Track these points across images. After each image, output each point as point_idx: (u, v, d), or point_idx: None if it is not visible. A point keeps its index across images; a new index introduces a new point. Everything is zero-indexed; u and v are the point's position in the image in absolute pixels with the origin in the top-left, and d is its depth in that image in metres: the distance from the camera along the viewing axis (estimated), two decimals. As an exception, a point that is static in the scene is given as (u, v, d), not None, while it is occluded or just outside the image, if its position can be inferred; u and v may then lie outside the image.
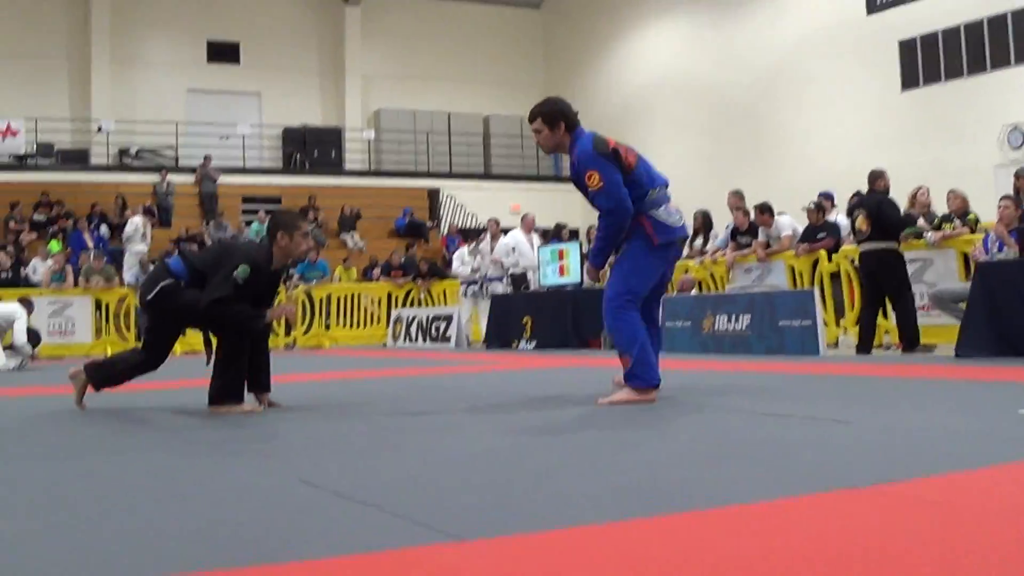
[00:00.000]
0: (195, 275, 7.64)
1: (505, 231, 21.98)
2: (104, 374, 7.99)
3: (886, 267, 13.35)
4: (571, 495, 3.71)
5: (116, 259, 24.47)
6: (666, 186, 7.45)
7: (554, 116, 7.34)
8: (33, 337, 16.44)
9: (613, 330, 7.29)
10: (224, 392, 7.56)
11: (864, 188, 15.82)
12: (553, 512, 3.41)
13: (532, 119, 7.43)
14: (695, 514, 3.27)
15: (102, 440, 6.11)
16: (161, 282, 7.65)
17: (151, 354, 8.00)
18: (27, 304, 16.70)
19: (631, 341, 7.14)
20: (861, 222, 13.44)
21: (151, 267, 22.57)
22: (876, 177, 13.72)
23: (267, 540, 3.12)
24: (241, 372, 7.66)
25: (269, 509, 3.64)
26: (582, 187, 7.26)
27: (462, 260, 22.64)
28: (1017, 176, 14.27)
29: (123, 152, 33.02)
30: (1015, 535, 2.89)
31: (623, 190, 7.05)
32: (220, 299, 7.40)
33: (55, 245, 25.69)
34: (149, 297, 7.70)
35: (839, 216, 17.42)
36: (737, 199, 18.03)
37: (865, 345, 13.46)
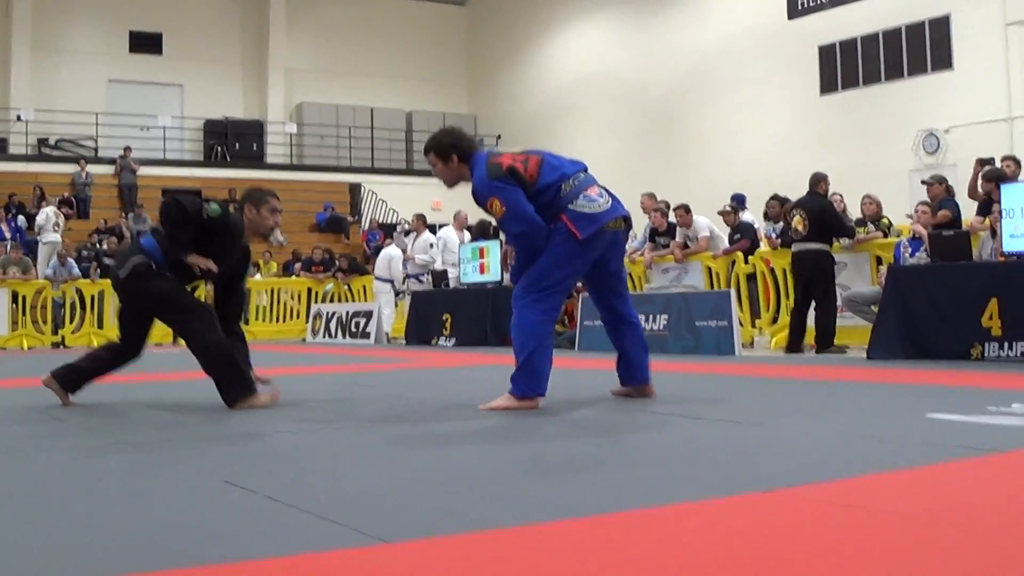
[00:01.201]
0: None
1: (432, 228, 22.00)
2: (74, 377, 7.64)
3: (819, 269, 13.55)
4: (500, 496, 3.77)
5: (33, 250, 24.27)
6: (584, 170, 7.13)
7: (444, 148, 7.03)
8: None
9: (512, 327, 6.88)
10: (235, 390, 7.16)
11: (781, 191, 16.06)
12: (479, 514, 3.46)
13: (425, 153, 7.17)
14: (608, 517, 3.31)
15: (30, 440, 6.09)
16: (132, 260, 7.28)
17: (127, 340, 7.63)
18: None
19: (522, 346, 6.79)
20: (798, 222, 13.61)
21: (68, 259, 22.49)
22: (819, 180, 13.92)
23: (191, 541, 3.14)
24: (235, 361, 7.21)
25: (194, 511, 3.64)
26: (490, 215, 6.99)
27: (424, 251, 21.69)
28: (927, 184, 14.50)
29: (42, 142, 32.74)
30: (924, 538, 2.98)
31: (527, 208, 6.72)
32: (181, 213, 7.09)
33: (-31, 235, 25.45)
34: (122, 276, 7.30)
35: (750, 216, 17.65)
36: (651, 200, 18.20)
37: (796, 344, 13.66)
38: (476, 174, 6.89)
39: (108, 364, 7.73)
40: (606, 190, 7.08)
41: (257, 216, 7.43)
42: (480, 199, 6.86)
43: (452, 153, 6.99)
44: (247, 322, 24.07)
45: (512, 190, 6.71)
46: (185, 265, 7.24)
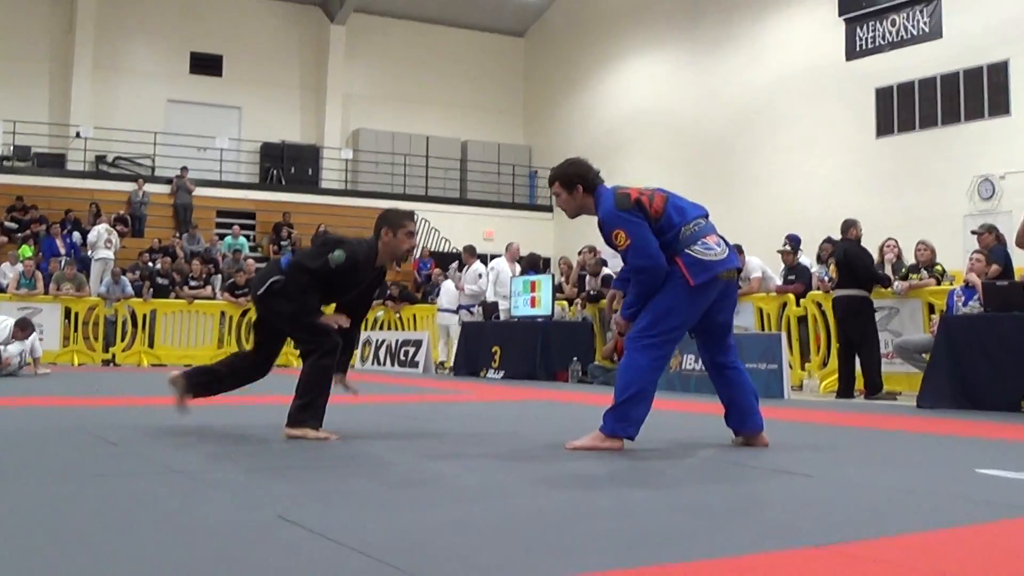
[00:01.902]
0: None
1: (484, 258, 22.03)
2: (201, 380, 7.75)
3: (853, 314, 13.55)
4: (551, 544, 3.76)
5: (87, 267, 24.48)
6: (705, 216, 7.14)
7: (570, 179, 7.13)
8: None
9: (620, 369, 6.92)
10: (301, 415, 7.23)
11: (836, 233, 16.02)
12: (534, 558, 3.49)
13: (551, 183, 7.27)
14: (662, 567, 3.33)
15: (79, 463, 6.14)
16: (271, 278, 7.39)
17: (259, 356, 7.78)
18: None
19: (625, 387, 6.77)
20: (833, 269, 13.69)
21: (122, 277, 22.67)
22: (849, 226, 13.94)
23: None
24: (324, 395, 7.30)
25: (245, 546, 3.66)
26: (613, 247, 7.00)
27: (474, 280, 21.68)
28: (978, 233, 14.44)
29: (100, 159, 33.00)
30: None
31: (652, 245, 6.75)
32: (303, 269, 7.26)
33: (26, 250, 25.68)
34: (259, 293, 7.47)
35: (805, 259, 17.61)
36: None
37: (845, 390, 13.65)
38: (603, 205, 6.96)
39: (240, 378, 7.83)
40: (723, 239, 7.07)
41: (393, 240, 7.44)
42: (606, 230, 6.90)
43: (577, 183, 7.09)
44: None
45: (639, 224, 6.77)
46: (321, 286, 7.33)
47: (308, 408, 7.21)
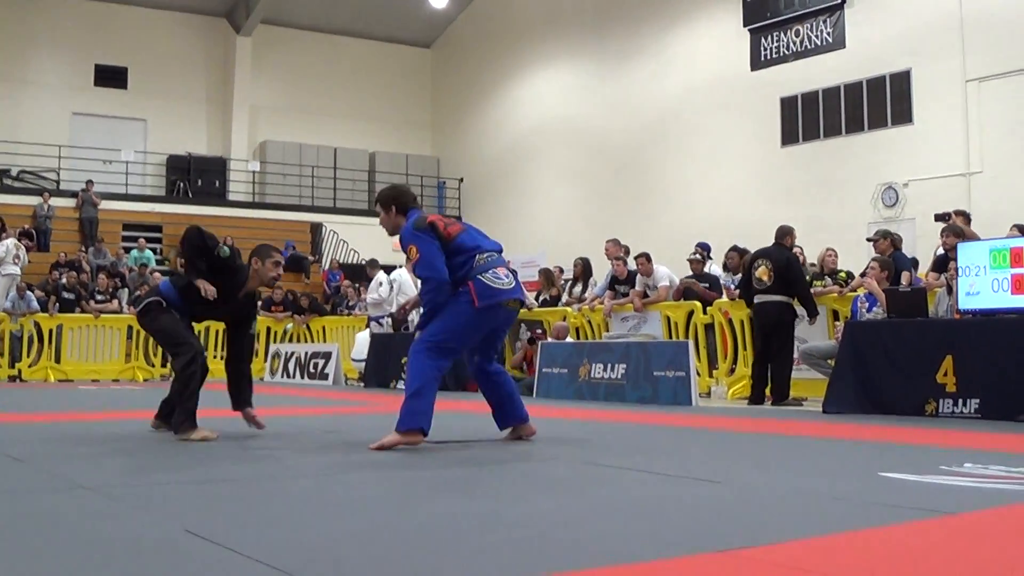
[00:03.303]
0: (184, 289, 8.49)
1: (390, 269, 22.03)
2: (183, 416, 8.30)
3: (781, 321, 13.64)
4: (455, 552, 3.77)
5: (-8, 282, 24.15)
6: (499, 251, 8.00)
7: (387, 200, 8.12)
8: None
9: (407, 368, 7.74)
10: (178, 421, 8.21)
11: (741, 241, 16.17)
12: (438, 568, 3.48)
13: (375, 204, 8.30)
14: (564, 575, 3.33)
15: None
16: (147, 298, 8.66)
17: (186, 354, 8.41)
18: None
19: (410, 386, 7.57)
20: (763, 273, 13.71)
21: (27, 292, 22.39)
22: (785, 233, 14.06)
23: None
24: (194, 396, 8.26)
25: (152, 562, 3.63)
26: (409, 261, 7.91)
27: (375, 289, 21.84)
28: (873, 240, 14.64)
29: (3, 173, 32.57)
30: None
31: (437, 260, 7.62)
32: (201, 240, 8.46)
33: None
34: (137, 311, 8.76)
35: (715, 267, 17.76)
36: (616, 247, 18.31)
37: (758, 397, 13.75)
38: (405, 224, 7.91)
39: (190, 382, 8.45)
40: (513, 273, 8.00)
41: (262, 267, 8.54)
42: (403, 244, 7.83)
43: (392, 205, 8.10)
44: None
45: (429, 242, 7.67)
46: (193, 304, 8.48)
47: (181, 414, 8.20)
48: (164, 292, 8.60)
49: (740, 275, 15.34)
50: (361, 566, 3.53)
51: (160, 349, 23.34)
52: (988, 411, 10.42)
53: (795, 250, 15.43)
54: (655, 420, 10.94)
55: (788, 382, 13.59)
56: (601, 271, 19.53)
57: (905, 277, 13.50)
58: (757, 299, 13.90)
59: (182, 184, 34.72)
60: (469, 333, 7.82)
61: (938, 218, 15.99)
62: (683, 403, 13.56)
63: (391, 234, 8.17)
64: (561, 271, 20.61)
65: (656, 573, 3.42)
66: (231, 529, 4.21)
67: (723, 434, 9.50)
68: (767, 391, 13.84)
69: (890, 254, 14.10)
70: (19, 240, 25.66)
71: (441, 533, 4.19)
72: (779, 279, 13.64)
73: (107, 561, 3.62)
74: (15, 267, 24.25)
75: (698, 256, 17.36)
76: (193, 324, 8.79)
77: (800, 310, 13.80)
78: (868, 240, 15.20)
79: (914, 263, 15.36)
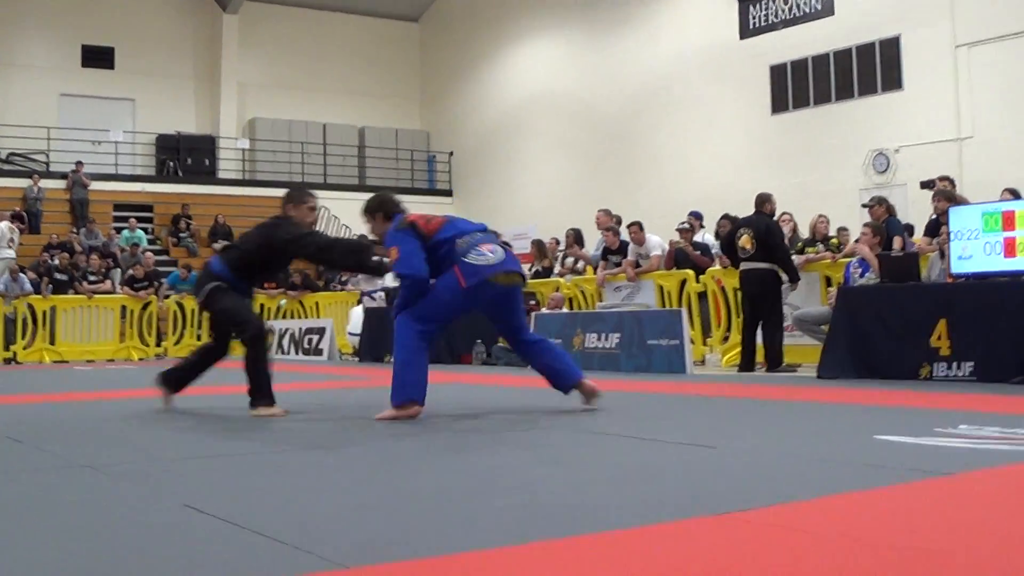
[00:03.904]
0: (241, 263, 8.69)
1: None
2: (176, 376, 9.03)
3: (765, 288, 13.66)
4: (454, 521, 3.81)
5: (-16, 265, 24.10)
6: (482, 230, 8.12)
7: (372, 208, 8.26)
8: None
9: (394, 342, 7.85)
10: (261, 397, 8.41)
11: (732, 210, 16.17)
12: (438, 538, 3.50)
13: (363, 212, 8.37)
14: (558, 542, 3.36)
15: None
16: (207, 285, 8.63)
17: (218, 340, 9.03)
18: None
19: (397, 361, 7.79)
20: (746, 241, 13.73)
21: (20, 274, 22.36)
22: (764, 200, 14.04)
23: (156, 570, 3.15)
24: (268, 371, 8.52)
25: (152, 537, 3.64)
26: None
27: None
28: (868, 206, 14.63)
29: (-8, 156, 32.53)
30: (867, 561, 3.04)
31: (416, 258, 7.74)
32: (320, 244, 8.75)
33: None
34: (200, 300, 8.73)
35: (707, 236, 17.77)
36: (607, 217, 18.31)
37: (748, 364, 13.77)
38: (389, 229, 8.03)
39: (204, 364, 9.11)
40: (505, 247, 8.12)
41: (298, 214, 8.66)
42: (387, 247, 8.00)
43: (378, 212, 8.25)
44: (199, 338, 24.02)
45: (409, 241, 7.81)
46: (249, 278, 8.83)
47: (259, 389, 8.43)
48: (219, 272, 8.67)
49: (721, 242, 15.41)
50: (360, 537, 3.55)
51: (154, 328, 23.44)
52: (982, 374, 10.45)
53: (784, 217, 15.47)
54: (650, 388, 10.98)
55: (781, 348, 13.60)
56: (591, 241, 19.54)
57: (897, 242, 13.51)
58: (742, 267, 13.94)
59: (172, 163, 34.62)
60: (454, 310, 8.03)
61: (924, 185, 15.99)
62: (677, 371, 13.59)
63: (382, 243, 8.24)
64: (557, 243, 20.56)
65: (653, 537, 3.44)
66: (232, 504, 4.23)
67: (718, 401, 9.52)
68: (760, 358, 13.86)
69: (884, 220, 14.10)
70: (12, 223, 25.64)
71: (438, 502, 4.21)
72: (761, 246, 13.66)
73: (109, 537, 3.65)
74: (10, 251, 24.22)
75: (687, 225, 17.35)
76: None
77: (784, 276, 13.82)
78: (864, 206, 15.19)
79: (908, 229, 15.34)
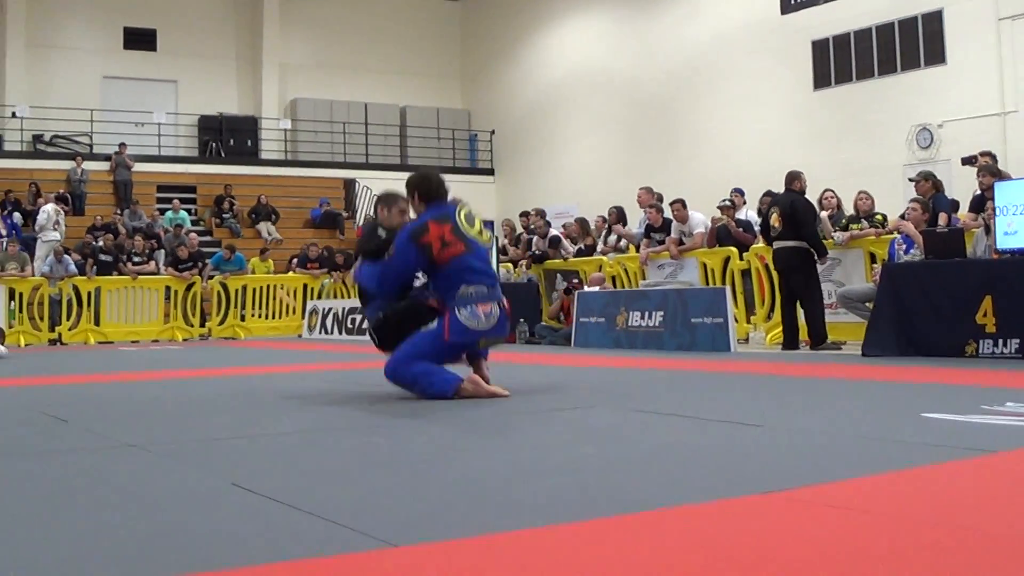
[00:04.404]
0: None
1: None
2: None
3: (796, 265, 13.61)
4: (501, 500, 3.82)
5: (29, 247, 24.21)
6: (491, 284, 7.88)
7: (410, 186, 8.07)
8: None
9: (402, 383, 7.75)
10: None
11: (775, 187, 16.09)
12: (485, 517, 3.52)
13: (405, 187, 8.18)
14: (607, 521, 3.36)
15: (33, 442, 6.13)
16: (375, 313, 8.21)
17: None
18: None
19: (414, 382, 7.68)
20: (775, 219, 13.70)
21: (65, 255, 22.49)
22: (793, 178, 13.97)
23: (202, 546, 3.17)
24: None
25: (199, 514, 3.68)
26: None
27: None
28: (915, 181, 14.54)
29: (37, 138, 32.60)
30: (916, 539, 3.04)
31: (394, 277, 7.87)
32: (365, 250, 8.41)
33: (-32, 230, 25.42)
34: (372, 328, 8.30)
35: (750, 213, 17.69)
36: (648, 194, 18.28)
37: (791, 342, 13.74)
38: (415, 221, 7.98)
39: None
40: (502, 308, 7.91)
41: (389, 216, 8.39)
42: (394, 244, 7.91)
43: (415, 191, 8.03)
44: (243, 319, 24.13)
45: (406, 257, 7.76)
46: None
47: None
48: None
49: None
50: (407, 515, 3.56)
51: (198, 309, 23.56)
52: (1029, 350, 10.40)
53: (827, 195, 15.40)
54: (694, 367, 10.95)
55: (823, 324, 13.53)
56: (635, 217, 19.48)
57: (942, 218, 13.43)
58: (774, 245, 13.91)
59: (214, 144, 34.71)
60: (434, 357, 7.79)
61: (965, 162, 15.91)
62: (721, 349, 13.56)
63: (394, 231, 8.17)
64: (604, 220, 20.41)
65: (701, 516, 3.44)
66: (278, 482, 4.26)
67: (763, 379, 9.51)
68: (803, 336, 13.83)
69: (931, 196, 14.01)
70: (57, 205, 25.79)
71: (484, 481, 4.22)
72: (788, 223, 13.60)
73: (155, 514, 3.68)
74: (55, 233, 24.38)
75: (729, 202, 17.29)
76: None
77: (834, 253, 13.76)
78: (910, 180, 15.11)
79: (954, 206, 15.25)
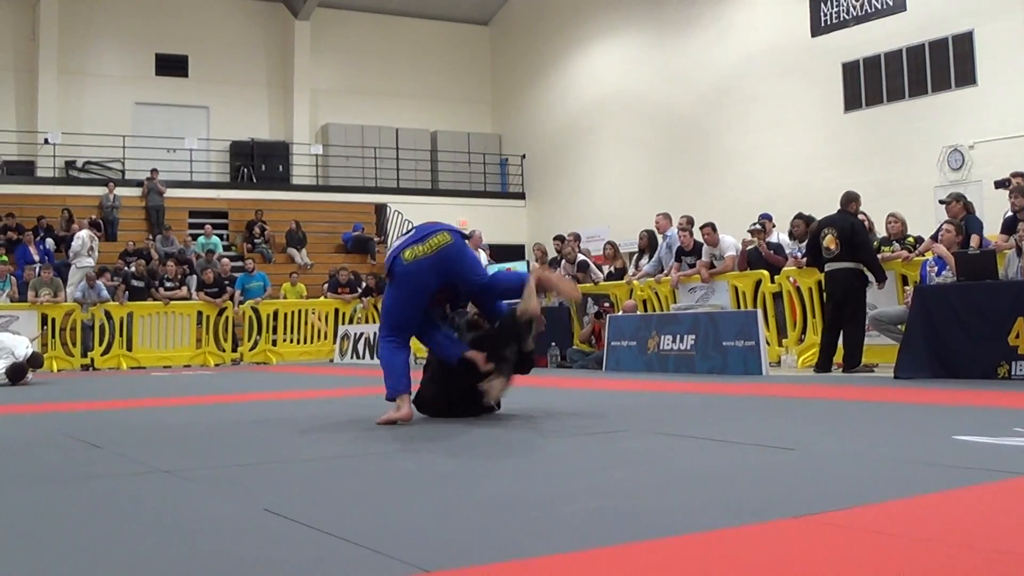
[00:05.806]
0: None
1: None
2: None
3: (851, 288, 13.54)
4: (533, 524, 3.82)
5: (62, 273, 24.34)
6: (415, 229, 8.26)
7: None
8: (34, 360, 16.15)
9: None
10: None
11: (806, 209, 16.07)
12: (517, 541, 3.52)
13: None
14: (639, 545, 3.36)
15: (65, 467, 6.15)
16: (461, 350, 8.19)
17: None
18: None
19: (384, 370, 8.04)
20: (830, 241, 13.62)
21: (97, 281, 22.58)
22: (850, 200, 13.92)
23: (236, 573, 3.19)
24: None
25: (233, 541, 3.69)
26: None
27: None
28: (945, 203, 14.50)
29: (70, 164, 32.79)
30: (946, 563, 3.03)
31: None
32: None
33: (1, 256, 25.54)
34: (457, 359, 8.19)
35: (781, 235, 17.66)
36: (665, 220, 18.38)
37: (824, 364, 13.67)
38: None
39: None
40: (420, 228, 8.17)
41: None
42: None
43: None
44: (274, 343, 24.19)
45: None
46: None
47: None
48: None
49: (806, 242, 15.26)
50: (439, 540, 3.56)
51: (230, 334, 23.62)
52: (1062, 372, 10.36)
53: (860, 216, 15.35)
54: (726, 390, 10.93)
55: (861, 348, 13.49)
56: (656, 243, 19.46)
57: (974, 240, 13.38)
58: (827, 267, 13.81)
59: (246, 170, 34.85)
60: (401, 303, 8.04)
61: (998, 185, 15.84)
62: (753, 372, 13.54)
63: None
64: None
65: (734, 540, 3.43)
66: (310, 507, 4.26)
67: (795, 402, 9.47)
68: (836, 359, 13.77)
69: (962, 218, 13.96)
70: (91, 231, 25.91)
71: (516, 505, 4.23)
72: (846, 246, 13.53)
73: (191, 540, 3.68)
74: (89, 259, 24.50)
75: (759, 226, 17.28)
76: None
77: (870, 276, 13.70)
78: (941, 202, 15.06)
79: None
